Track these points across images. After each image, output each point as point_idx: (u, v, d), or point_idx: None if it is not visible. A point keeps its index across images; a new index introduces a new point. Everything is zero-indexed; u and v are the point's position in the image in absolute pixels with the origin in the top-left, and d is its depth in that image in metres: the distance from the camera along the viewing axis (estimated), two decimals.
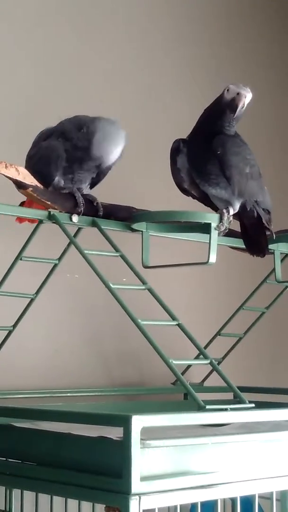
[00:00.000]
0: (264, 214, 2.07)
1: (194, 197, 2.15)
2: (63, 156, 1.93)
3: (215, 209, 2.09)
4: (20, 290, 2.06)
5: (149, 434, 1.51)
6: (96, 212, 1.96)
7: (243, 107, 1.97)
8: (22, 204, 2.00)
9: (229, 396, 1.80)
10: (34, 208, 1.95)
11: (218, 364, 2.43)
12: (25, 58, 2.42)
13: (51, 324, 2.38)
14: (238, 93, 1.97)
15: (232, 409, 1.64)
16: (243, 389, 2.34)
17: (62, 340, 2.41)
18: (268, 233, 2.07)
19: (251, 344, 2.67)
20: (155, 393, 2.50)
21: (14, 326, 2.09)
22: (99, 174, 2.02)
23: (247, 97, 1.97)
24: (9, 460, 1.74)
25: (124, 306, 1.74)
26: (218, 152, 1.99)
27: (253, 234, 2.06)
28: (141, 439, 1.48)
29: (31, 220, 1.97)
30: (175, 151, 2.10)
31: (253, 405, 1.68)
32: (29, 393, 2.19)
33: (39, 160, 1.95)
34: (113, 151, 1.93)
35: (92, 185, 2.04)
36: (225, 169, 1.99)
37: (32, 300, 2.09)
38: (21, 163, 1.90)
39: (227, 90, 1.98)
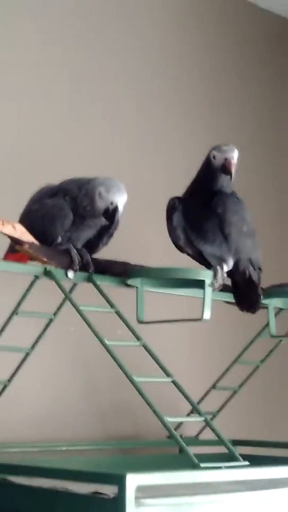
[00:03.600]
0: (255, 272, 2.10)
1: (189, 254, 2.18)
2: (70, 217, 1.96)
3: (209, 267, 2.11)
4: (16, 345, 2.07)
5: (143, 489, 1.51)
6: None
7: (235, 166, 2.01)
8: (6, 255, 2.02)
9: (225, 449, 1.79)
10: (25, 262, 1.98)
11: (213, 417, 2.43)
12: (21, 113, 2.44)
13: (46, 378, 2.38)
14: (225, 159, 2.01)
15: (226, 467, 1.65)
16: (238, 442, 2.36)
17: (57, 394, 2.40)
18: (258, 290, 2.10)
19: (246, 397, 2.67)
20: (150, 446, 2.50)
21: (10, 380, 2.10)
22: (107, 231, 2.04)
23: (235, 157, 2.01)
24: None
25: (119, 363, 1.76)
26: (219, 211, 2.02)
27: (245, 291, 2.09)
28: (136, 497, 1.48)
29: (16, 258, 1.98)
30: (171, 209, 2.13)
31: (247, 462, 1.69)
32: (24, 447, 2.19)
33: (43, 217, 1.97)
34: (119, 198, 1.96)
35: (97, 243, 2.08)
36: (225, 227, 2.03)
37: (27, 354, 2.10)
38: (13, 219, 1.93)
39: (213, 157, 2.02)
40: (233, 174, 2.01)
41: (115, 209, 1.95)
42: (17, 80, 2.45)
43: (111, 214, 1.96)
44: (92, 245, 2.07)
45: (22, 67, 2.46)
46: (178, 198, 2.12)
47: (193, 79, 2.94)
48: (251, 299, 2.08)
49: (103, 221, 1.99)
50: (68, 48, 2.58)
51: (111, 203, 1.95)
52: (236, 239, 2.05)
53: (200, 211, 2.06)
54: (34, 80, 2.48)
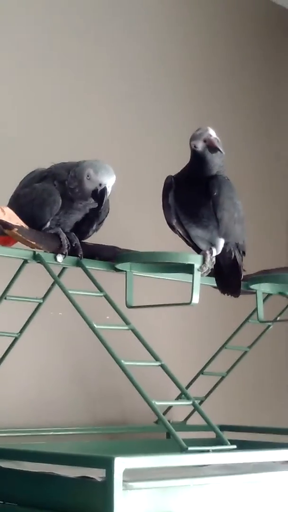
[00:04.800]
0: (239, 255, 2.13)
1: (180, 235, 2.18)
2: (59, 202, 1.96)
3: (198, 250, 2.12)
4: (4, 329, 2.07)
5: (130, 473, 1.51)
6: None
7: (218, 141, 2.03)
8: None
9: (212, 434, 1.80)
10: (11, 245, 1.97)
11: (201, 402, 2.44)
12: (14, 98, 2.43)
13: (34, 362, 2.38)
14: (205, 140, 2.02)
15: (214, 451, 1.65)
16: (226, 427, 2.37)
17: (45, 378, 2.40)
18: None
19: (234, 383, 2.67)
20: (138, 431, 2.50)
21: None
22: (97, 217, 2.04)
23: (212, 134, 2.03)
24: None
25: (107, 346, 1.76)
26: (215, 194, 2.03)
27: (228, 274, 2.12)
28: (124, 481, 1.48)
29: (4, 240, 1.97)
30: (168, 187, 2.12)
31: (234, 446, 1.69)
32: (12, 432, 2.19)
33: (31, 201, 1.97)
34: (107, 180, 1.95)
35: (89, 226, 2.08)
36: (218, 211, 2.04)
37: (16, 339, 2.10)
38: (2, 202, 1.92)
39: (195, 146, 2.03)
40: (220, 148, 2.02)
41: (104, 190, 1.95)
42: (14, 65, 2.44)
43: (99, 195, 1.95)
44: (82, 231, 2.07)
45: (19, 52, 2.46)
46: (174, 177, 2.12)
47: (185, 62, 2.94)
48: (234, 283, 2.11)
49: (91, 203, 1.98)
50: (64, 35, 2.58)
51: (100, 184, 1.95)
52: (227, 223, 2.06)
53: (196, 196, 2.06)
54: (29, 65, 2.48)
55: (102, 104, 2.66)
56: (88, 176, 1.95)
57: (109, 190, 1.96)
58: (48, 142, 2.45)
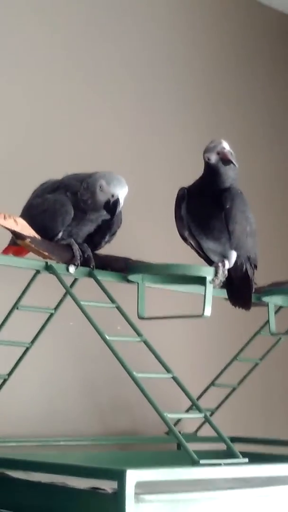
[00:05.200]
0: (251, 269, 2.13)
1: (192, 246, 2.19)
2: (71, 213, 1.96)
3: (210, 262, 2.12)
4: (16, 339, 2.07)
5: (141, 485, 1.51)
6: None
7: (232, 153, 2.04)
8: (7, 247, 2.02)
9: (223, 445, 1.80)
10: (24, 255, 1.98)
11: (211, 414, 2.43)
12: (23, 108, 2.45)
13: (46, 372, 2.38)
14: (218, 152, 2.03)
15: (225, 464, 1.65)
16: (237, 439, 2.36)
17: (56, 388, 2.41)
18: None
19: (245, 395, 2.67)
20: (149, 442, 2.50)
21: (9, 374, 2.10)
22: (109, 229, 2.05)
23: (226, 146, 2.04)
24: (1, 510, 1.74)
25: (119, 358, 1.76)
26: (227, 206, 2.04)
27: (239, 287, 2.12)
28: (135, 493, 1.48)
29: (17, 250, 1.98)
30: (181, 198, 2.13)
31: (246, 460, 1.68)
32: (23, 441, 2.19)
33: (44, 212, 1.97)
34: (120, 191, 1.96)
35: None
36: (230, 223, 2.05)
37: (27, 349, 2.10)
38: (15, 213, 1.93)
39: (208, 159, 2.04)
40: (233, 161, 2.03)
41: (116, 201, 1.95)
42: (19, 74, 2.45)
43: (112, 206, 1.96)
44: (95, 242, 2.07)
45: (24, 61, 2.47)
46: (187, 189, 2.13)
47: (195, 73, 2.95)
48: (245, 295, 2.11)
49: (104, 214, 1.99)
50: (70, 40, 2.59)
51: (112, 196, 1.95)
52: (239, 236, 2.06)
53: (208, 208, 2.07)
54: (35, 72, 2.49)
55: (110, 111, 2.66)
56: (100, 187, 1.96)
57: (121, 201, 1.96)
58: (58, 153, 2.46)
